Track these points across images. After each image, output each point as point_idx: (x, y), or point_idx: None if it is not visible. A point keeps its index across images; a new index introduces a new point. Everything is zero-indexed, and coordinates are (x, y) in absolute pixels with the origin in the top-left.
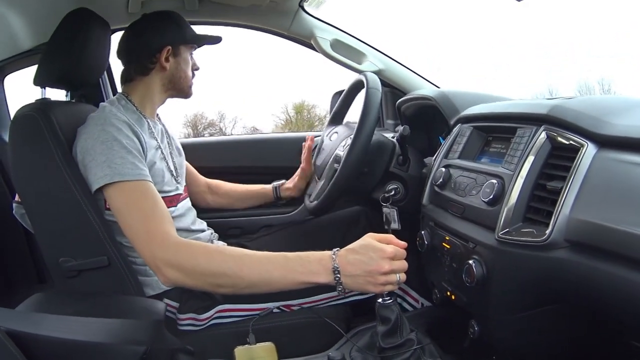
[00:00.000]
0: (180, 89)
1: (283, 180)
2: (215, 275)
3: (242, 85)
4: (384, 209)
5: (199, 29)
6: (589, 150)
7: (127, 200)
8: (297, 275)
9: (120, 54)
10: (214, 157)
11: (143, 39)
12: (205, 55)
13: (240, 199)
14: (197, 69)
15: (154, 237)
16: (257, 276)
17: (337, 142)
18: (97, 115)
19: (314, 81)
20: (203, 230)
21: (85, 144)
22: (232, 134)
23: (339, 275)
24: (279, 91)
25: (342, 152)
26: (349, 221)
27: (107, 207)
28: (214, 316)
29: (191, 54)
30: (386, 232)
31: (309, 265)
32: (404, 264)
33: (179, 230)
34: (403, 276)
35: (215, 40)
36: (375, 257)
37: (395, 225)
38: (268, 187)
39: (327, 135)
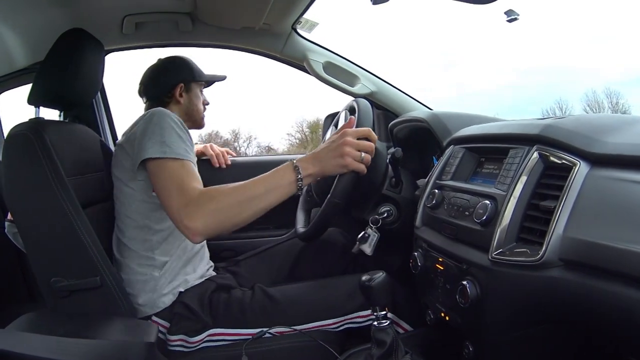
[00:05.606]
0: (194, 120)
1: None
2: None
3: (257, 103)
4: (367, 229)
5: (192, 51)
6: (582, 168)
7: (171, 173)
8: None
9: (142, 92)
10: (229, 178)
11: (160, 78)
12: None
13: None
14: (207, 103)
15: (185, 193)
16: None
17: None
18: (158, 109)
19: (328, 100)
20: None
21: (143, 127)
22: (246, 154)
23: (300, 176)
24: (293, 109)
25: None
26: (327, 241)
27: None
28: (205, 339)
29: (201, 90)
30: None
31: (276, 173)
32: (369, 144)
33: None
34: (368, 157)
35: (221, 78)
36: (336, 139)
37: (368, 248)
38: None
39: None
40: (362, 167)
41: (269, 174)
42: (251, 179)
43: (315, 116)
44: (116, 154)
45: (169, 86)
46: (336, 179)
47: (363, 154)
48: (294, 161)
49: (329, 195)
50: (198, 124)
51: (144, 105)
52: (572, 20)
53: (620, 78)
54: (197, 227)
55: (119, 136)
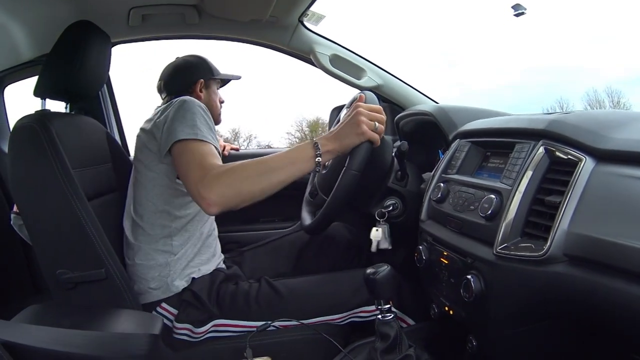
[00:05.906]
0: (212, 115)
1: None
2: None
3: (257, 102)
4: (374, 228)
5: (199, 44)
6: (587, 164)
7: (196, 151)
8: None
9: (162, 88)
10: None
11: (181, 74)
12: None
13: None
14: (223, 102)
15: (206, 167)
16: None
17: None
18: (188, 97)
19: (329, 99)
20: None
21: (174, 112)
22: (247, 148)
23: (319, 152)
24: (293, 108)
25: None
26: (332, 235)
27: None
28: (209, 330)
29: (217, 88)
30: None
31: (296, 149)
32: (381, 116)
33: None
34: (381, 127)
35: (237, 77)
36: (352, 114)
37: (385, 242)
38: None
39: None
40: (376, 137)
41: (289, 150)
42: (270, 154)
43: (315, 115)
44: (140, 139)
45: (190, 82)
46: (350, 153)
47: (377, 124)
48: (314, 139)
49: (344, 168)
50: (215, 119)
51: (157, 100)
52: (573, 19)
53: (621, 77)
54: (213, 198)
55: (125, 128)
